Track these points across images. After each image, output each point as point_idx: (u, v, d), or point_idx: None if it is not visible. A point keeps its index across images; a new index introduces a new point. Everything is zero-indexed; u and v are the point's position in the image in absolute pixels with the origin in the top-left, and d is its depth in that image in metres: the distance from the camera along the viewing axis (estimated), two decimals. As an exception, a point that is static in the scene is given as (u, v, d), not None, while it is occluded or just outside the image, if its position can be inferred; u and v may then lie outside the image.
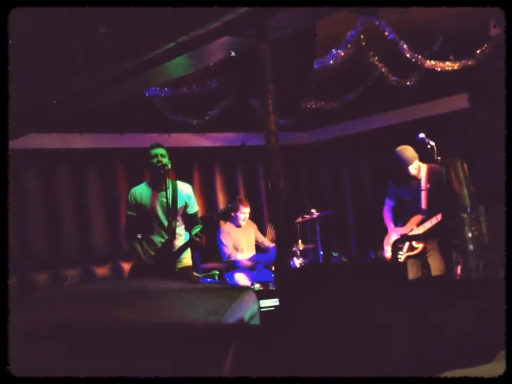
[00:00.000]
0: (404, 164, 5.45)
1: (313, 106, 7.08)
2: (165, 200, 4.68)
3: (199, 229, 4.72)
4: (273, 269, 6.30)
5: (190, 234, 4.76)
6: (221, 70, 5.78)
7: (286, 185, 3.74)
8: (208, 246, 6.72)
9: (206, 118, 6.98)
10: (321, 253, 6.66)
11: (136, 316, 1.67)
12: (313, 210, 6.76)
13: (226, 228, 6.74)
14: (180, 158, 7.49)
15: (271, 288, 5.80)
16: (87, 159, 7.23)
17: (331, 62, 5.53)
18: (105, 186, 7.29)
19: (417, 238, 5.44)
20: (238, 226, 6.77)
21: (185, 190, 4.81)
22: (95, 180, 7.25)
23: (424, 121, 6.96)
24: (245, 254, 6.63)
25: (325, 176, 8.58)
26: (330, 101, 7.02)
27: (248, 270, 6.48)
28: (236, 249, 6.69)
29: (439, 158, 4.98)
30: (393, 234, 5.56)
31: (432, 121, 6.91)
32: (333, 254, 6.82)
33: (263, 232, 7.18)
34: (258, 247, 6.86)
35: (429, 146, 5.06)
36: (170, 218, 4.66)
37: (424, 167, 5.54)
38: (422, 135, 5.12)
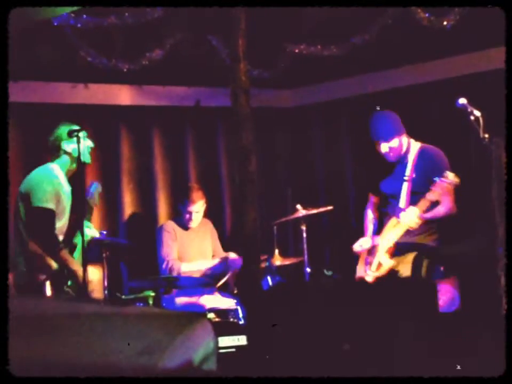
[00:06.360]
0: (379, 136, 5.67)
1: (304, 52, 7.10)
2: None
3: None
4: (235, 291, 6.33)
5: None
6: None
7: (259, 167, 3.75)
8: (139, 252, 6.71)
9: (143, 62, 6.95)
10: (308, 269, 6.69)
11: (32, 352, 1.68)
12: (298, 206, 6.79)
13: (171, 227, 6.73)
14: (101, 121, 7.44)
15: (231, 319, 5.83)
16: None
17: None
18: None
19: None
20: (186, 228, 6.77)
21: None
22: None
23: (465, 80, 7.04)
24: (193, 263, 6.64)
25: (316, 155, 8.61)
26: (329, 45, 7.05)
27: (199, 291, 6.49)
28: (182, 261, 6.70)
29: (487, 135, 5.03)
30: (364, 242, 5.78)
31: (479, 80, 6.97)
32: (325, 272, 6.85)
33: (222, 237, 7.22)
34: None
35: (472, 117, 5.12)
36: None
37: (415, 147, 5.66)
38: (462, 100, 5.18)
